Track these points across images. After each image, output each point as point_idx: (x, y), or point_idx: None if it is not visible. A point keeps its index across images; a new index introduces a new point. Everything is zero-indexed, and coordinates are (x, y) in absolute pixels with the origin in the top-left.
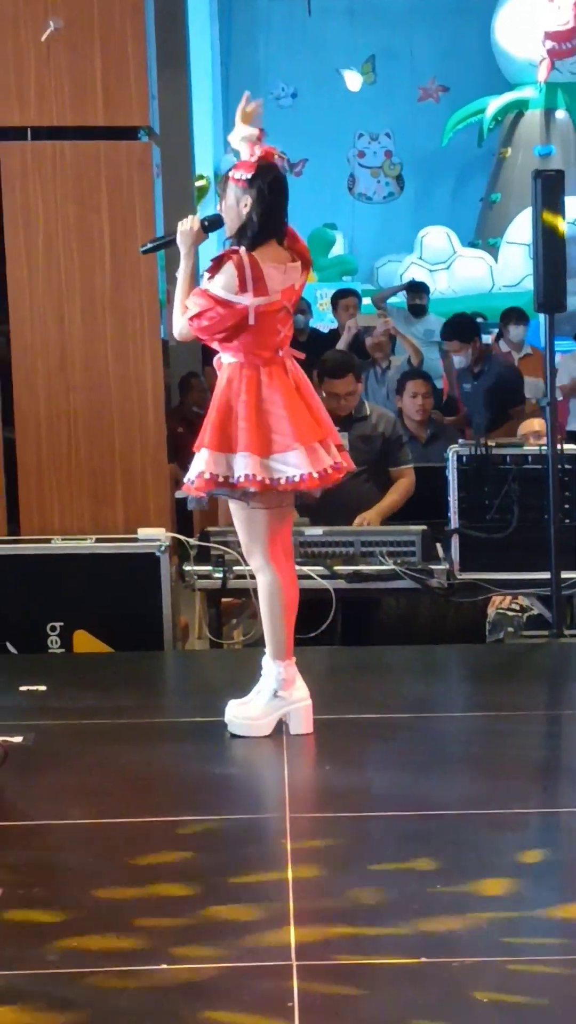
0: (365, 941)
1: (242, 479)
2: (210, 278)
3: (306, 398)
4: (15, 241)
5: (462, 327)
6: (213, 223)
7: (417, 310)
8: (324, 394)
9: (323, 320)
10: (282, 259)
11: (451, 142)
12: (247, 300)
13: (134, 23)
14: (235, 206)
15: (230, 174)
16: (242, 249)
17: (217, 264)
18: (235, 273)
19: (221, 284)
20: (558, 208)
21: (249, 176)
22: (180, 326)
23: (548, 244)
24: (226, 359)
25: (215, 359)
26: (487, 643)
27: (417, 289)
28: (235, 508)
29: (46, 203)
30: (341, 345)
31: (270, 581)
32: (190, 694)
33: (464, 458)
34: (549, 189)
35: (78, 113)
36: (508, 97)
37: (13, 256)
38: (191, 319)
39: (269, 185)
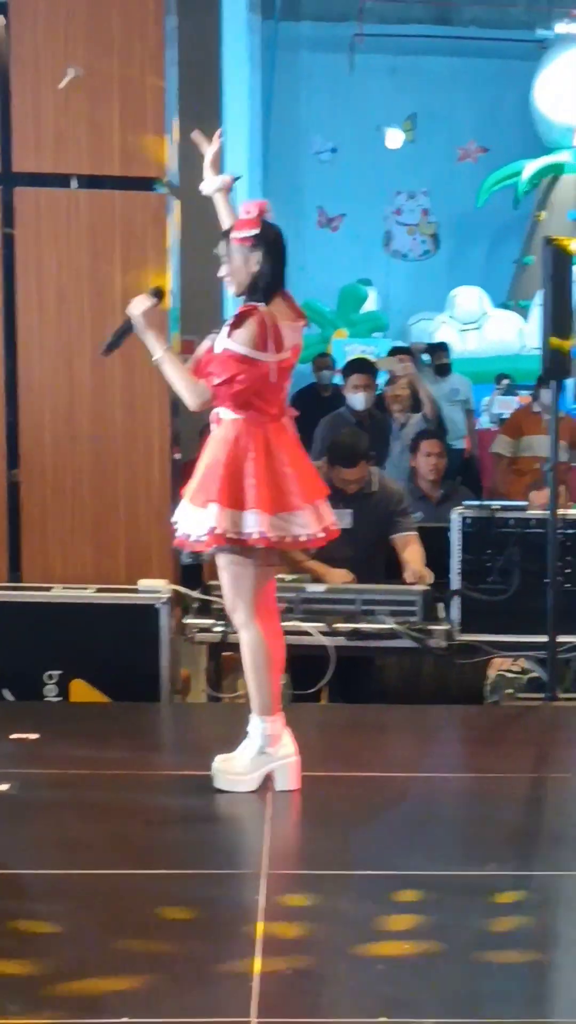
0: (329, 1002)
1: (255, 535)
2: (230, 336)
3: (303, 457)
4: (26, 287)
5: (365, 363)
6: (158, 292)
7: (441, 369)
8: (332, 479)
9: None
10: (290, 316)
11: (487, 203)
12: (269, 357)
13: (153, 74)
14: (243, 266)
15: (232, 235)
16: (260, 305)
17: (238, 321)
18: (258, 330)
19: (245, 341)
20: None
21: (255, 232)
22: (198, 396)
23: (557, 314)
24: (227, 415)
25: (212, 414)
26: (483, 704)
27: (440, 348)
28: (224, 564)
29: (59, 250)
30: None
31: (253, 637)
32: (181, 747)
33: (468, 520)
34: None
35: (94, 162)
36: (544, 161)
37: (24, 302)
38: (220, 385)
39: (274, 239)
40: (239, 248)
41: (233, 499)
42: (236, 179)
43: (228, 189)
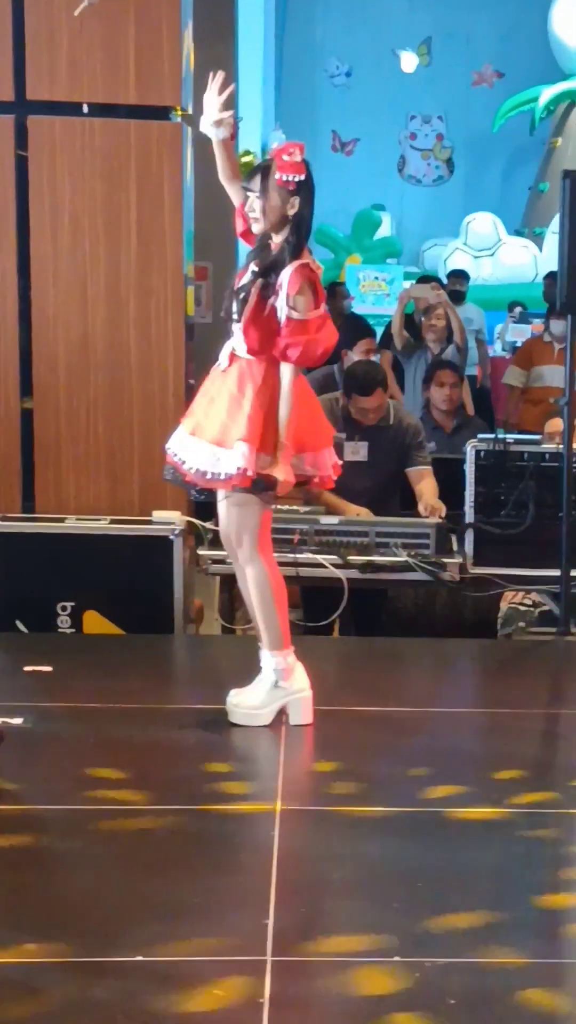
0: (343, 943)
1: (282, 478)
2: (291, 303)
3: (317, 401)
4: (40, 216)
5: (368, 328)
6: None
7: (457, 296)
8: (350, 410)
9: (363, 302)
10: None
11: (503, 128)
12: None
13: (170, 2)
14: (279, 206)
15: (277, 176)
16: (308, 261)
17: (297, 286)
18: (314, 291)
19: (310, 305)
20: None
21: (301, 179)
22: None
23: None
24: (245, 355)
25: (228, 352)
26: (496, 638)
27: (457, 276)
28: (237, 501)
29: (73, 179)
30: (394, 320)
31: (259, 571)
32: (195, 680)
33: (482, 453)
34: None
35: (110, 90)
36: (561, 87)
37: (37, 231)
38: (301, 357)
39: (312, 185)
40: (280, 190)
41: (265, 441)
42: (239, 120)
43: (233, 134)
